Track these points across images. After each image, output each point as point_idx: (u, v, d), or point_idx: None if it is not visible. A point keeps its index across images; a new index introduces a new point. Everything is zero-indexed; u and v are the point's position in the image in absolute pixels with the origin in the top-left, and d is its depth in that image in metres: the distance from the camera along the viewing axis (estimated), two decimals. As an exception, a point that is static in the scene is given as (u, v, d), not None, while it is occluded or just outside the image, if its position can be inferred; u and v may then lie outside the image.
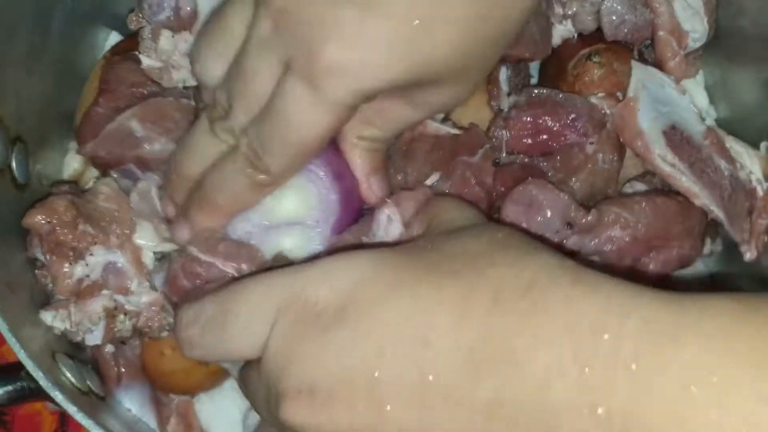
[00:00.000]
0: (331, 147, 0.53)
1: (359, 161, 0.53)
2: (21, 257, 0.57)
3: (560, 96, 0.58)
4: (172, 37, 0.58)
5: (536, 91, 0.59)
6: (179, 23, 0.58)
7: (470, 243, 0.41)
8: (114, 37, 0.68)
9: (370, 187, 0.53)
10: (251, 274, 0.49)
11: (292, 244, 0.54)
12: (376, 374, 0.37)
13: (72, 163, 0.65)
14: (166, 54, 0.59)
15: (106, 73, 0.61)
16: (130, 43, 0.63)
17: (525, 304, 0.36)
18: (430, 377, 0.37)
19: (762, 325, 0.32)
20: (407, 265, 0.40)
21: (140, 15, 0.59)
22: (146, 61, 0.59)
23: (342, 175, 0.54)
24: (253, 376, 0.45)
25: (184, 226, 0.53)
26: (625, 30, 0.61)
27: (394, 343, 0.38)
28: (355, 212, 0.55)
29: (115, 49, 0.64)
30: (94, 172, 0.64)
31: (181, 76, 0.60)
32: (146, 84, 0.60)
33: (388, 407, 0.37)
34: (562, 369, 0.34)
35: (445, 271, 0.39)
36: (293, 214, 0.54)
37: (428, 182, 0.55)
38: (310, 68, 0.45)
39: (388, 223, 0.51)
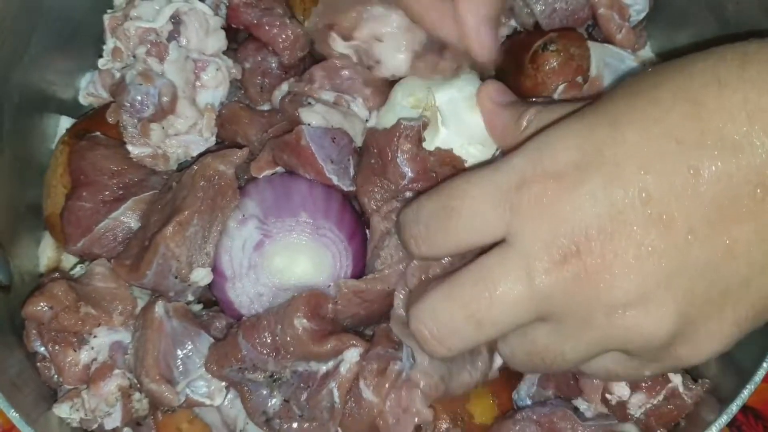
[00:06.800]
0: (346, 207, 0.54)
1: (471, 6, 0.50)
2: (19, 355, 0.56)
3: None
4: (162, 128, 0.58)
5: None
6: (162, 112, 0.57)
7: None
8: (65, 121, 0.67)
9: (479, 37, 0.50)
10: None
11: None
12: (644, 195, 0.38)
13: (46, 252, 0.64)
14: (156, 142, 0.58)
15: (77, 161, 0.59)
16: (88, 123, 0.62)
17: None
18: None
19: None
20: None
21: (120, 110, 0.58)
22: (135, 150, 0.58)
23: (354, 234, 0.55)
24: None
25: None
26: (557, 19, 0.62)
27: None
28: (362, 269, 0.55)
29: (73, 132, 0.62)
30: (70, 257, 0.63)
31: (176, 158, 0.59)
32: (127, 171, 0.59)
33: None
34: None
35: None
36: (305, 278, 0.54)
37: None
38: None
39: None
